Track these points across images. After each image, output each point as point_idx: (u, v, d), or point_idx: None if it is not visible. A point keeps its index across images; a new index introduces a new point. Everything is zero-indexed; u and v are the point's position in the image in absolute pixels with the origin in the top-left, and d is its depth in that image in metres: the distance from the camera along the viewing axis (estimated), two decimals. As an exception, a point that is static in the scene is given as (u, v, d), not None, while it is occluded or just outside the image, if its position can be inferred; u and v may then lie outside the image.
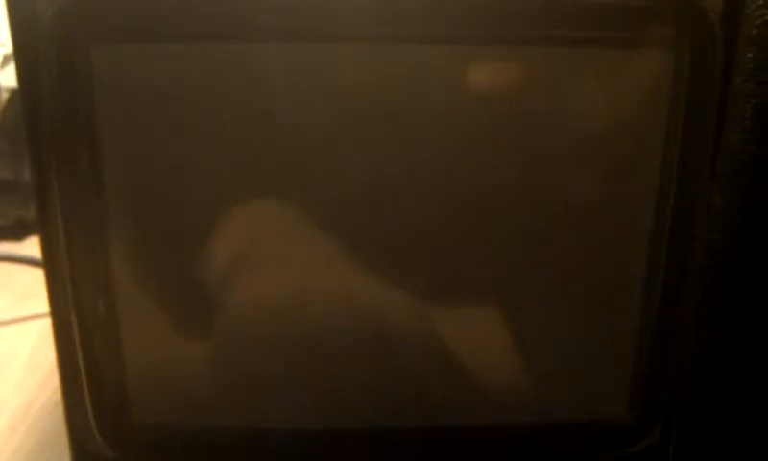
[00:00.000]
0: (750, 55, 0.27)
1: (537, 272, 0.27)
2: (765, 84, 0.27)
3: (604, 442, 0.29)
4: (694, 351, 0.29)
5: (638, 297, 0.27)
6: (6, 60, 0.51)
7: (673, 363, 0.28)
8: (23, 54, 0.24)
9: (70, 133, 0.24)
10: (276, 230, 0.26)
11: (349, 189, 0.26)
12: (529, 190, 0.26)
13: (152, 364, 0.27)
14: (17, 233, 0.53)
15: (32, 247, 0.51)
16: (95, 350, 0.26)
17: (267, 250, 0.26)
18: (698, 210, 0.26)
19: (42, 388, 0.39)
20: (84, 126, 0.24)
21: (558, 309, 0.27)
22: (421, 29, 0.24)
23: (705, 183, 0.26)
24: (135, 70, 0.24)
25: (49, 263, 0.26)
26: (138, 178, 0.25)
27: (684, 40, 0.24)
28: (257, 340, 0.27)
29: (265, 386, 0.28)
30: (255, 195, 0.25)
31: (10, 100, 0.50)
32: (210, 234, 0.26)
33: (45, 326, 0.39)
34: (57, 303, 0.26)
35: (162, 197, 0.25)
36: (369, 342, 0.27)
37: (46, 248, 0.25)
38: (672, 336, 0.28)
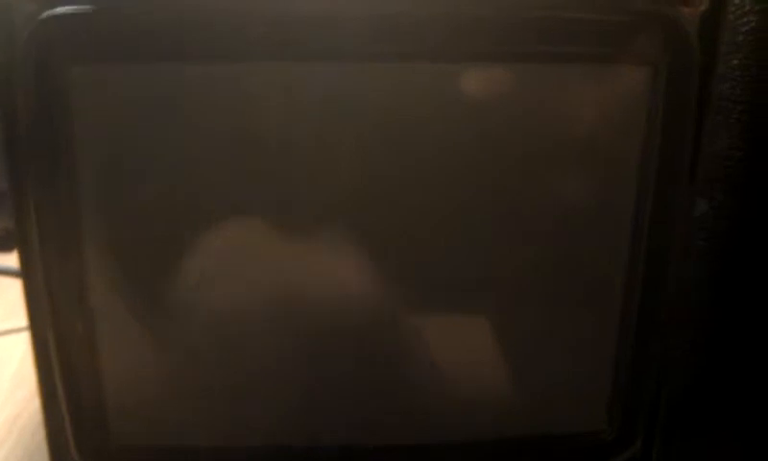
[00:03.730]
0: (736, 61, 0.27)
1: (515, 286, 0.27)
2: (752, 90, 0.27)
3: (585, 455, 0.29)
4: (678, 359, 0.29)
5: (617, 308, 0.27)
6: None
7: (653, 375, 0.28)
8: (0, 70, 0.23)
9: (47, 150, 0.24)
10: (257, 248, 0.26)
11: (336, 203, 0.26)
12: (509, 203, 0.26)
13: (131, 385, 0.27)
14: (6, 245, 0.52)
15: (21, 258, 0.51)
16: (73, 370, 0.26)
17: (247, 268, 0.26)
18: (676, 220, 0.26)
19: (30, 401, 0.39)
20: (61, 144, 0.24)
21: (536, 323, 0.27)
22: (409, 47, 0.24)
23: (683, 193, 0.26)
24: (112, 90, 0.24)
25: (27, 281, 0.26)
26: (115, 197, 0.25)
27: (660, 55, 0.24)
28: (237, 360, 0.27)
29: (246, 406, 0.28)
30: (236, 213, 0.25)
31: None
32: (188, 253, 0.25)
33: (33, 338, 0.39)
34: (35, 321, 0.26)
35: (140, 215, 0.25)
36: (351, 357, 0.27)
37: (24, 265, 0.25)
38: (651, 348, 0.27)
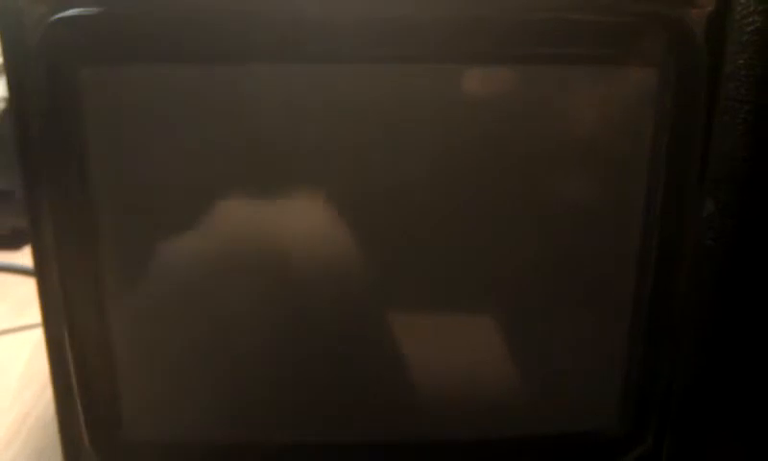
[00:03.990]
0: (742, 61, 0.27)
1: (525, 284, 0.27)
2: (758, 89, 0.27)
3: (596, 452, 0.29)
4: (687, 357, 0.29)
5: (628, 306, 0.27)
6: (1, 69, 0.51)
7: (664, 372, 0.28)
8: (13, 73, 0.24)
9: (60, 149, 0.24)
10: (264, 246, 0.26)
11: (338, 204, 0.26)
12: (519, 203, 0.26)
13: (144, 380, 0.27)
14: (14, 243, 0.53)
15: (28, 257, 0.50)
16: (87, 366, 0.26)
17: (255, 266, 0.26)
18: (686, 219, 0.26)
19: (38, 399, 0.39)
20: (74, 143, 0.24)
21: (546, 320, 0.27)
22: (411, 49, 0.24)
23: (692, 193, 0.26)
24: (124, 91, 0.24)
25: (41, 279, 0.26)
26: (129, 196, 0.25)
27: (668, 55, 0.24)
28: (249, 358, 0.27)
29: (258, 402, 0.28)
30: (245, 213, 0.25)
31: (4, 110, 0.50)
32: (201, 251, 0.26)
33: (42, 336, 0.39)
34: (49, 318, 0.26)
35: (152, 213, 0.25)
36: (357, 356, 0.28)
37: (38, 264, 0.25)
38: (662, 345, 0.28)
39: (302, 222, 0.26)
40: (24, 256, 0.51)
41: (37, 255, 0.26)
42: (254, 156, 0.25)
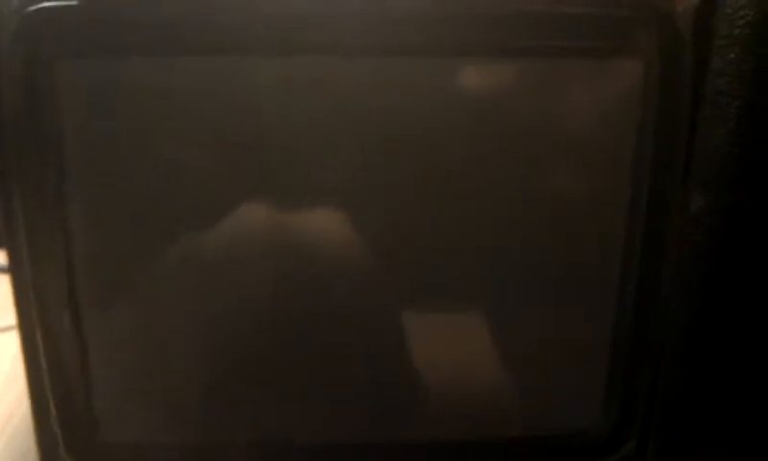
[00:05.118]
0: (733, 55, 0.26)
1: (509, 283, 0.27)
2: (749, 84, 0.26)
3: (580, 453, 0.29)
4: (672, 357, 0.29)
5: (612, 305, 0.27)
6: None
7: (648, 371, 0.28)
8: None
9: (34, 146, 0.24)
10: (248, 242, 0.26)
11: (333, 197, 0.25)
12: (503, 199, 0.26)
13: (118, 382, 0.27)
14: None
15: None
16: (62, 367, 0.26)
17: (237, 264, 0.26)
18: (671, 216, 0.26)
19: (22, 400, 0.38)
20: (49, 139, 0.24)
21: (530, 320, 0.27)
22: (405, 41, 0.24)
23: (677, 188, 0.26)
24: (100, 84, 0.23)
25: (15, 278, 0.25)
26: (104, 193, 0.25)
27: (652, 49, 0.24)
28: (225, 357, 0.27)
29: (239, 402, 0.28)
30: (226, 210, 0.25)
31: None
32: (177, 249, 0.25)
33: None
34: (23, 319, 0.26)
35: (128, 211, 0.25)
36: (346, 355, 0.27)
37: (13, 264, 0.25)
38: (647, 344, 0.27)
39: (298, 217, 0.26)
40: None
41: (11, 254, 0.25)
42: (238, 150, 0.25)
